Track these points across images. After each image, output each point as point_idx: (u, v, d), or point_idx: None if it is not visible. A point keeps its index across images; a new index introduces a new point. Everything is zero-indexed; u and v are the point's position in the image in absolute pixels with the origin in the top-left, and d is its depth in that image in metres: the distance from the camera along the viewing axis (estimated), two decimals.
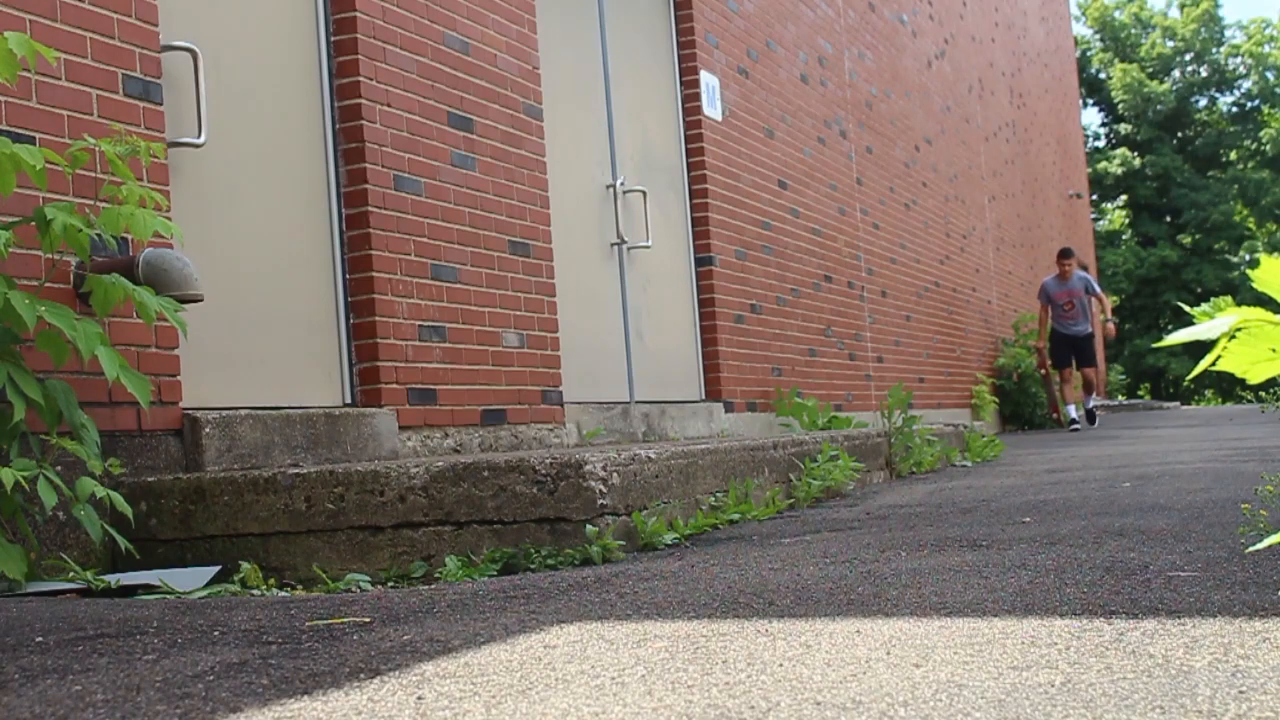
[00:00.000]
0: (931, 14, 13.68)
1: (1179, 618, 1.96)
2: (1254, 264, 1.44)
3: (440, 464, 3.48)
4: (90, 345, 3.14)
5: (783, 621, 2.14)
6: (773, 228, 8.71)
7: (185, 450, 3.94)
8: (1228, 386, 35.32)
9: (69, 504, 3.23)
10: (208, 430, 3.95)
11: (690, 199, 7.79)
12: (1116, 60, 40.58)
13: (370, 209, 4.89)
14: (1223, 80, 40.73)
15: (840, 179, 10.18)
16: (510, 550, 3.35)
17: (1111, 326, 13.97)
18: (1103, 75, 40.59)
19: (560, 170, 6.39)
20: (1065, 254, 13.62)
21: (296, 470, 3.65)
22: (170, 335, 3.92)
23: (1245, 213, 39.33)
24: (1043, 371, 13.73)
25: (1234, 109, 40.86)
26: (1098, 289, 13.60)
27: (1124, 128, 39.72)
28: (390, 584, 3.36)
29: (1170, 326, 36.29)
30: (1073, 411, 13.18)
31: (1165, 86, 39.60)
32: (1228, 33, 41.32)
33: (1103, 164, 38.66)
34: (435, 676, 1.82)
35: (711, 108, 7.96)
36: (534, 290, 5.89)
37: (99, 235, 3.39)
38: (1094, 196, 36.48)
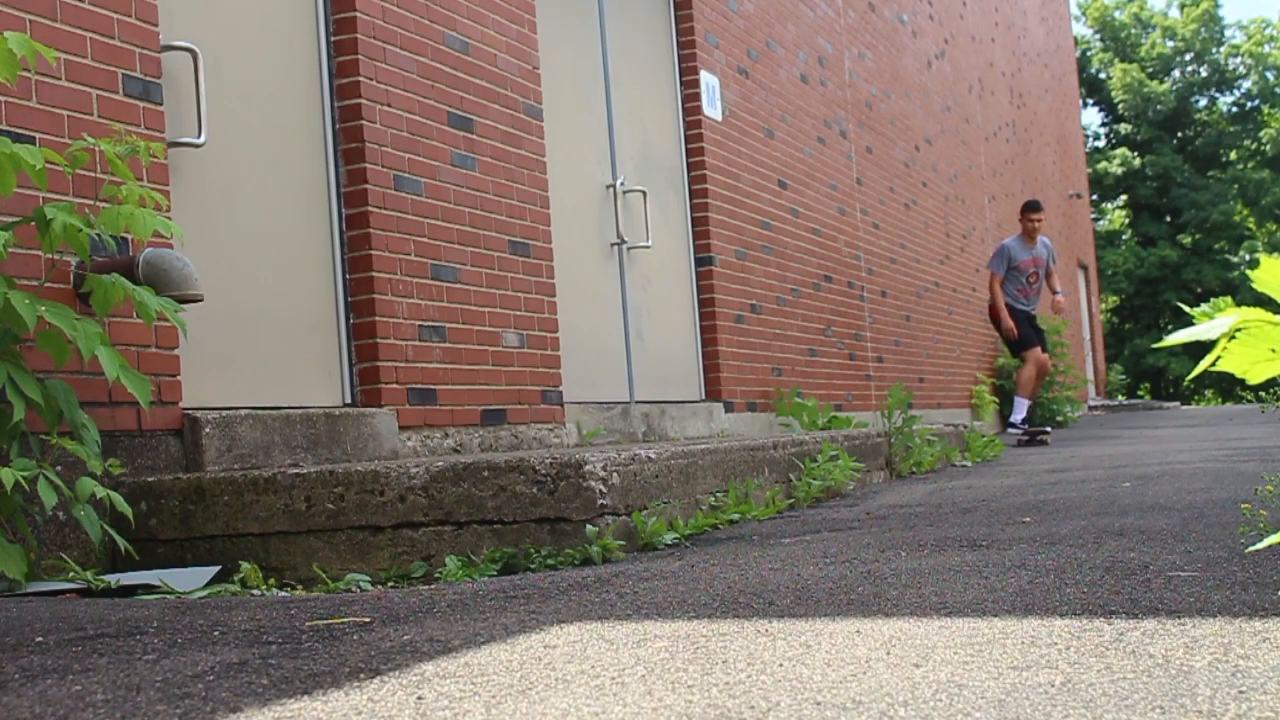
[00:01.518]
0: (931, 14, 13.67)
1: (1179, 618, 1.96)
2: (1254, 264, 1.44)
3: (440, 464, 3.48)
4: (90, 345, 3.14)
5: (783, 621, 2.14)
6: (773, 228, 8.70)
7: (185, 450, 3.94)
8: (1228, 386, 35.32)
9: (69, 504, 3.23)
10: (208, 430, 3.95)
11: (690, 199, 7.79)
12: (1116, 60, 40.58)
13: (370, 209, 4.89)
14: (1223, 80, 40.73)
15: (840, 179, 10.18)
16: (510, 550, 3.35)
17: (1062, 300, 11.22)
18: (1103, 75, 40.60)
19: (560, 170, 6.39)
20: (1034, 207, 10.81)
21: (296, 470, 3.65)
22: (170, 335, 3.92)
23: (1245, 213, 39.34)
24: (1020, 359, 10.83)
25: (1234, 109, 40.86)
26: (1056, 260, 11.23)
27: (1124, 128, 39.73)
28: (390, 584, 3.36)
29: (1170, 326, 36.29)
30: (1024, 412, 10.68)
31: (1165, 86, 39.60)
32: (1228, 33, 41.33)
33: (1103, 164, 38.66)
34: (435, 676, 1.82)
35: (711, 108, 7.96)
36: (534, 290, 5.89)
37: (99, 235, 3.39)
38: (1094, 196, 36.48)
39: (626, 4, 7.34)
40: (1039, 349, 10.74)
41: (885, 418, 6.19)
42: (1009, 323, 10.71)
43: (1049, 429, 10.49)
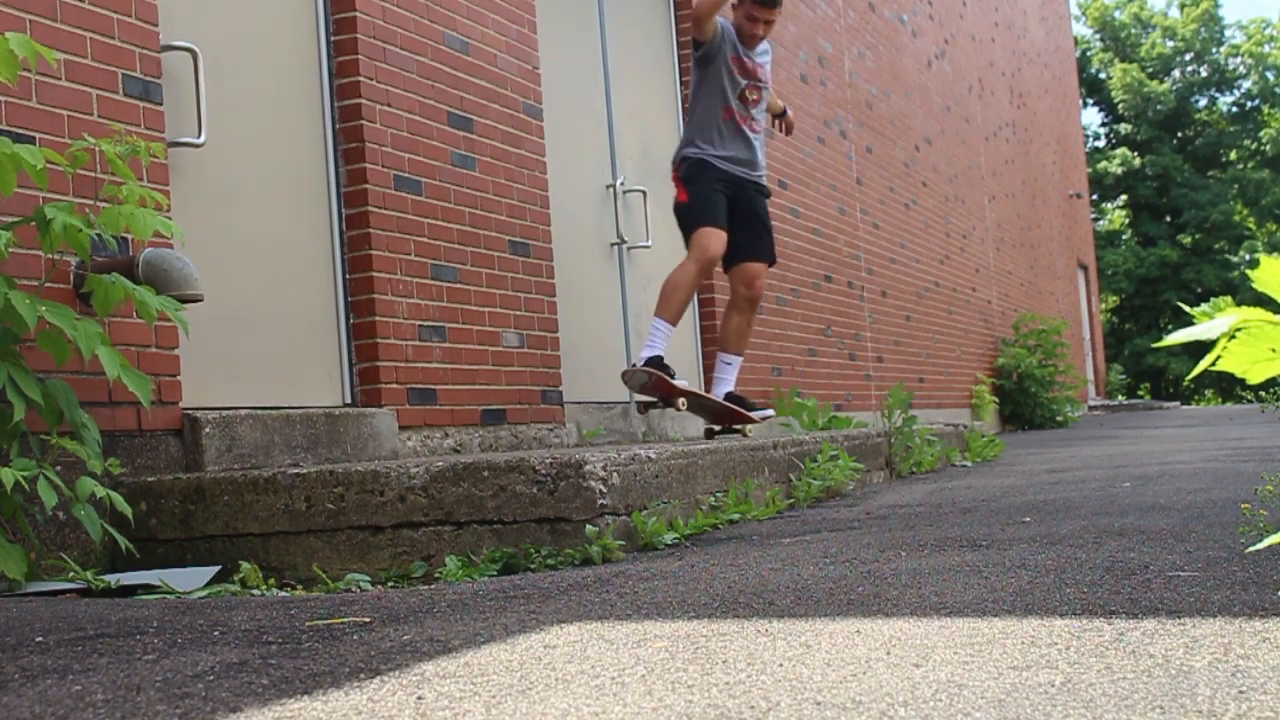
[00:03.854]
0: (931, 14, 13.67)
1: (1179, 618, 1.96)
2: (1254, 264, 1.44)
3: (440, 464, 3.48)
4: (91, 345, 3.14)
5: (783, 621, 2.14)
6: (772, 228, 8.70)
7: (185, 450, 3.94)
8: (1228, 386, 35.32)
9: (69, 504, 3.23)
10: (208, 430, 3.95)
11: None
12: (1116, 60, 40.59)
13: (370, 209, 4.89)
14: (1223, 80, 40.74)
15: (840, 179, 10.18)
16: (510, 550, 3.35)
17: (791, 116, 6.45)
18: (1103, 75, 40.60)
19: (560, 170, 6.39)
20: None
21: (296, 470, 3.65)
22: (170, 335, 3.92)
23: (1245, 213, 39.34)
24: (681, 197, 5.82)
25: (1234, 109, 40.87)
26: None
27: (1124, 128, 39.73)
28: (390, 584, 3.36)
29: (1170, 326, 36.27)
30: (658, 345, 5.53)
31: (1165, 86, 39.61)
32: (1228, 33, 41.34)
33: (1103, 164, 38.66)
34: (435, 676, 1.82)
35: None
36: (534, 290, 5.89)
37: (99, 235, 3.39)
38: (1094, 196, 36.49)
39: (626, 4, 7.34)
40: (720, 233, 5.61)
41: (885, 418, 6.19)
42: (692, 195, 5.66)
43: (722, 408, 5.69)
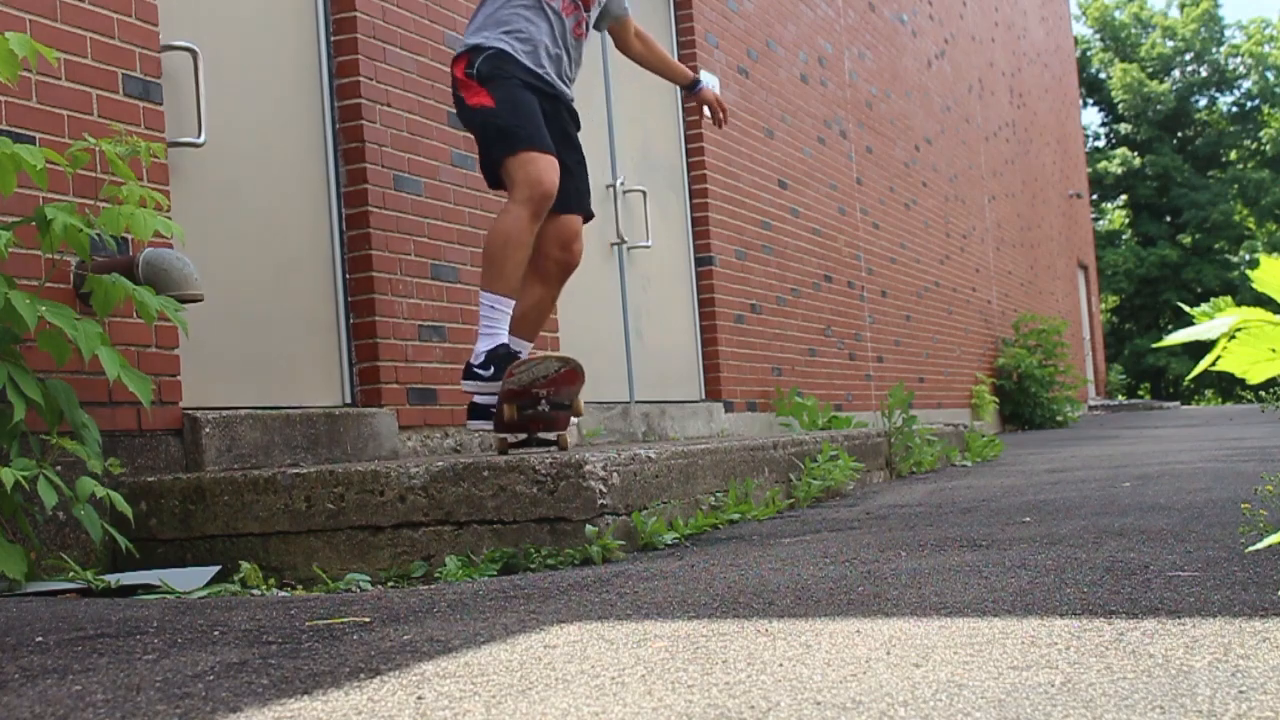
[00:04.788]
0: (931, 14, 13.67)
1: (1179, 618, 1.96)
2: (1254, 264, 1.44)
3: (440, 464, 3.48)
4: (91, 345, 3.14)
5: (783, 621, 2.14)
6: (773, 228, 8.70)
7: (185, 450, 3.94)
8: (1228, 386, 35.32)
9: (69, 504, 3.23)
10: (208, 430, 3.95)
11: (690, 199, 7.79)
12: (1116, 60, 40.59)
13: (370, 209, 4.89)
14: (1223, 80, 40.74)
15: (840, 179, 10.18)
16: (510, 550, 3.35)
17: (710, 93, 4.97)
18: (1103, 75, 40.60)
19: None
20: None
21: (296, 470, 3.65)
22: (170, 335, 3.92)
23: (1245, 213, 39.34)
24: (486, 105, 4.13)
25: (1234, 109, 40.87)
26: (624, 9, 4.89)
27: (1124, 128, 39.74)
28: (390, 584, 3.36)
29: (1170, 326, 36.25)
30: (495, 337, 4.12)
31: (1165, 86, 39.61)
32: (1228, 33, 41.35)
33: (1103, 164, 38.66)
34: (435, 676, 1.82)
35: None
36: None
37: (99, 235, 3.39)
38: (1094, 196, 36.48)
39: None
40: (552, 159, 4.09)
41: (885, 417, 6.20)
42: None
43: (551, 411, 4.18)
